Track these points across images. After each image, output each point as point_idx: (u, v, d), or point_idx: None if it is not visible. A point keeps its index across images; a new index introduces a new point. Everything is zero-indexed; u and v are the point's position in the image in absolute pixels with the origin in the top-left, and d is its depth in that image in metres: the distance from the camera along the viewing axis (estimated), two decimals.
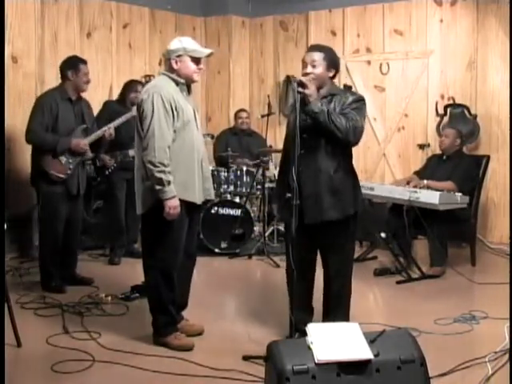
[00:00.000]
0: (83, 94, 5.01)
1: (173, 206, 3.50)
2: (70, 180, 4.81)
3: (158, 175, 3.47)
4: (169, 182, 3.48)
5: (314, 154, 3.51)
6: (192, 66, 3.63)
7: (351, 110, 3.48)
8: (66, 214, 4.87)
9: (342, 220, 3.54)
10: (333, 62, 3.58)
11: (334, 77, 3.64)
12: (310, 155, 3.51)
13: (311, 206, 3.51)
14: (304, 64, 3.57)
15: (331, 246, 3.61)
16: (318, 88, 3.54)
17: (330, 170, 3.51)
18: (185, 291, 3.89)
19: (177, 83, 3.63)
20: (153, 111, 3.49)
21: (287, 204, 3.42)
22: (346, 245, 3.66)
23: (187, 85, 3.70)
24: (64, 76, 4.85)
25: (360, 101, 3.56)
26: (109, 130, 4.98)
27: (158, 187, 3.48)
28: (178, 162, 3.56)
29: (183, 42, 3.63)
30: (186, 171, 3.60)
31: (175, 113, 3.53)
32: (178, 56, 3.60)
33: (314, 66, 3.53)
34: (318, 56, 3.53)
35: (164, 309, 3.69)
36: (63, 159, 4.77)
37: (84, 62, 4.91)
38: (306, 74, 3.53)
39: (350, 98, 3.53)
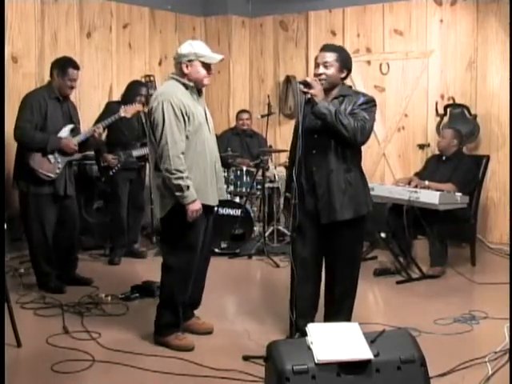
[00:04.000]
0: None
1: (195, 209, 3.54)
2: (58, 180, 4.76)
3: (176, 182, 3.49)
4: (187, 187, 3.50)
5: (326, 154, 3.51)
6: (202, 71, 3.62)
7: (361, 111, 3.47)
8: (57, 215, 4.83)
9: (353, 221, 3.54)
10: (345, 63, 3.55)
11: (345, 77, 3.61)
12: (321, 156, 3.51)
13: (325, 206, 3.52)
14: (316, 64, 3.55)
15: (340, 248, 3.60)
16: (330, 89, 3.53)
17: (342, 170, 3.51)
18: (198, 290, 3.91)
19: (186, 87, 3.62)
20: (163, 119, 3.48)
21: (289, 204, 3.45)
22: (354, 248, 3.65)
23: (198, 88, 3.69)
24: (51, 74, 4.82)
25: (370, 102, 3.56)
26: (98, 129, 4.95)
27: (178, 193, 3.50)
28: (191, 165, 3.58)
29: (194, 47, 3.61)
30: (198, 174, 3.61)
31: (186, 118, 3.52)
32: (189, 61, 3.59)
33: (326, 67, 3.51)
34: (330, 57, 3.51)
35: (173, 308, 3.70)
36: (52, 158, 4.73)
37: (75, 66, 4.79)
38: (317, 75, 3.51)
39: (361, 99, 3.52)
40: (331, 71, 3.51)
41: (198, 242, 3.69)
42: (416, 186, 5.33)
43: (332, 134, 3.46)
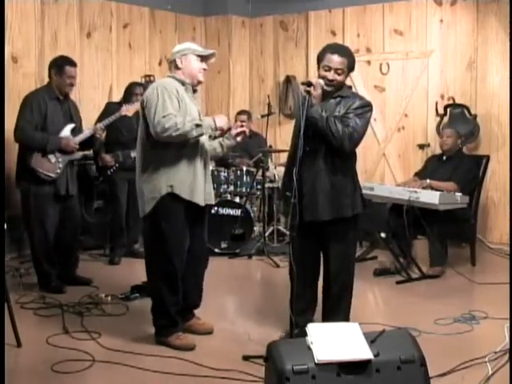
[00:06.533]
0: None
1: (220, 124, 3.54)
2: (59, 180, 4.78)
3: (179, 127, 3.40)
4: (191, 125, 3.43)
5: (316, 154, 3.52)
6: (197, 64, 3.67)
7: (354, 116, 3.46)
8: (59, 214, 4.84)
9: (339, 221, 3.54)
10: (351, 69, 3.57)
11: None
12: (312, 155, 3.52)
13: (308, 204, 3.53)
14: (327, 68, 3.50)
15: (331, 248, 3.61)
16: (334, 92, 3.54)
17: (329, 171, 3.52)
18: (196, 292, 3.90)
19: (182, 83, 3.66)
20: (157, 98, 3.48)
21: (287, 202, 3.45)
22: (345, 247, 3.63)
23: (193, 86, 3.72)
24: (49, 75, 4.84)
25: (365, 107, 3.54)
26: (99, 128, 4.96)
27: (194, 133, 3.45)
28: (180, 159, 3.57)
29: (188, 44, 3.74)
30: (187, 169, 3.59)
31: (179, 104, 3.54)
32: (184, 54, 3.66)
33: (338, 74, 3.51)
34: (342, 63, 3.50)
35: (165, 312, 3.70)
36: (52, 158, 4.74)
37: (72, 63, 4.83)
38: (329, 80, 3.49)
39: (357, 103, 3.52)
40: (341, 78, 3.54)
41: (181, 243, 3.63)
42: (418, 186, 5.33)
43: (322, 137, 3.47)
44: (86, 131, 4.93)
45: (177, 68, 3.67)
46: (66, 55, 5.11)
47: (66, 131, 4.83)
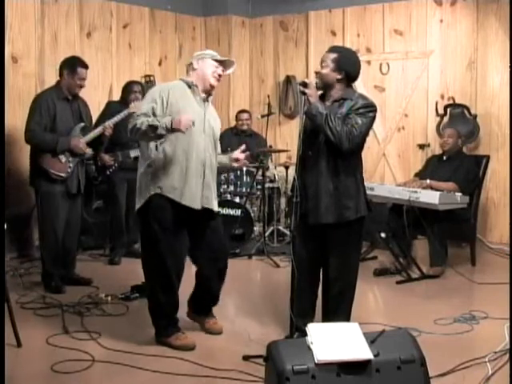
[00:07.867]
0: (81, 94, 5.01)
1: (176, 126, 3.40)
2: (70, 179, 4.81)
3: (137, 127, 3.45)
4: (146, 128, 3.42)
5: (318, 156, 3.53)
6: (212, 67, 3.69)
7: (355, 115, 3.45)
8: (65, 213, 4.86)
9: (341, 224, 3.53)
10: (342, 65, 3.52)
11: (350, 80, 3.60)
12: (314, 157, 3.53)
13: (312, 207, 3.53)
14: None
15: (332, 250, 3.60)
16: (328, 89, 3.56)
17: (331, 174, 3.51)
18: (207, 298, 3.96)
19: (189, 86, 3.69)
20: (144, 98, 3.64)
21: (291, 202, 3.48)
22: (347, 251, 3.61)
23: (207, 93, 3.73)
24: (61, 74, 4.84)
25: (368, 107, 3.53)
26: (108, 127, 4.97)
27: (151, 135, 3.45)
28: (173, 161, 3.57)
29: (209, 51, 3.82)
30: (178, 171, 3.58)
31: (165, 104, 3.56)
32: (201, 58, 3.72)
33: (322, 66, 3.57)
34: (328, 57, 3.55)
35: (162, 313, 3.70)
36: (63, 158, 4.77)
37: (85, 65, 4.84)
38: (316, 73, 3.60)
39: (360, 103, 3.51)
40: (325, 71, 3.54)
41: (170, 243, 3.60)
42: (418, 186, 5.32)
43: (324, 137, 3.47)
44: (96, 130, 4.95)
45: (192, 70, 3.70)
46: (77, 56, 5.13)
47: (77, 131, 4.84)
